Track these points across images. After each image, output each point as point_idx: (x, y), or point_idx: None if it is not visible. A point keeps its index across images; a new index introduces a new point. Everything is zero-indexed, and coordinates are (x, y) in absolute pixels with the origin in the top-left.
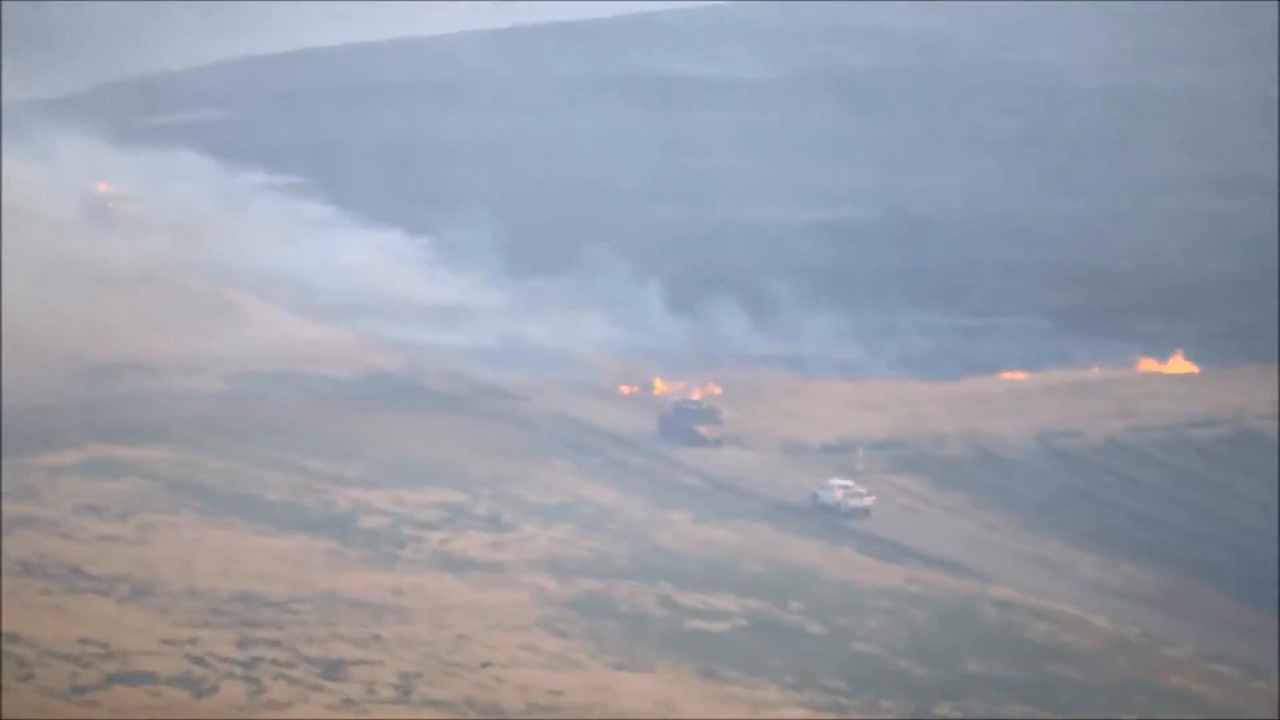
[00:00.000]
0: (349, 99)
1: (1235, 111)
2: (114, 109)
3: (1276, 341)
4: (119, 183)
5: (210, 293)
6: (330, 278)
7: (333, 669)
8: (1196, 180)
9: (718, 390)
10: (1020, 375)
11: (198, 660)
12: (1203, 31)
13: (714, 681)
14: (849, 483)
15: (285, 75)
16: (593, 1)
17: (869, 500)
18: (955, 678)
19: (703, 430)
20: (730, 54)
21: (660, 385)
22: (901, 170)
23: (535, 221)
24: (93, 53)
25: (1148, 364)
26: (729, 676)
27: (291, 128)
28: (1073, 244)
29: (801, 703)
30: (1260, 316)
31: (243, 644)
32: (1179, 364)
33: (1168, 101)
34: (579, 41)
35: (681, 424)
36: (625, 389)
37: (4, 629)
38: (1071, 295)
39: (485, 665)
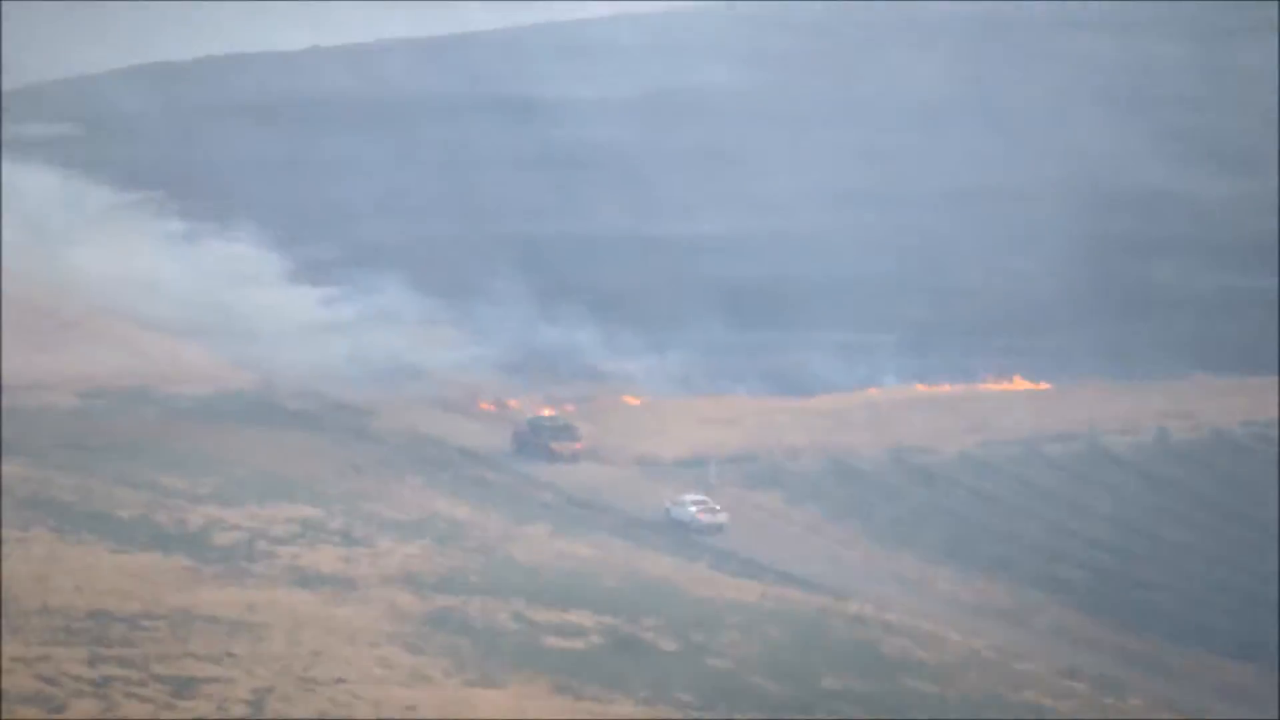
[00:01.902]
0: (206, 114)
1: (1082, 122)
2: None
3: (1124, 358)
4: None
5: (61, 308)
6: (184, 294)
7: (185, 686)
8: (1047, 192)
9: (572, 407)
10: (874, 391)
11: (48, 679)
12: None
13: (568, 697)
14: (703, 498)
15: (140, 89)
16: (484, 12)
17: (722, 516)
18: (809, 693)
19: (557, 446)
20: (594, 71)
21: (514, 402)
22: (755, 185)
23: (390, 238)
24: None
25: (999, 380)
26: (584, 692)
27: (145, 143)
28: (925, 259)
29: (655, 717)
30: (1109, 333)
31: (94, 662)
32: (1029, 380)
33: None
34: (446, 57)
35: (536, 440)
36: (482, 405)
37: None
38: (924, 311)
39: (339, 681)
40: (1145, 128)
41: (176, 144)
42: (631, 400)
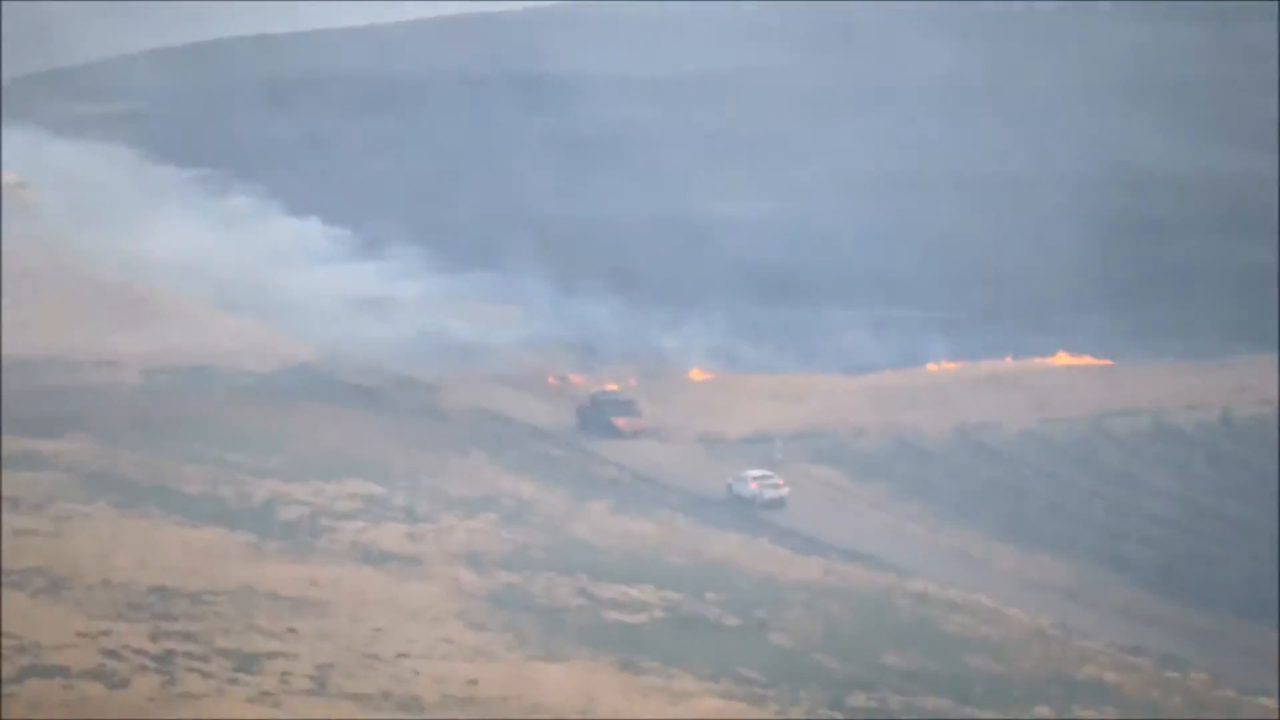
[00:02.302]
0: (267, 92)
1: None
2: (28, 101)
3: (1189, 336)
4: (31, 175)
5: (127, 286)
6: (249, 271)
7: (247, 662)
8: (1105, 178)
9: (635, 383)
10: (939, 367)
11: (111, 653)
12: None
13: (631, 672)
14: (765, 473)
15: (202, 67)
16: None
17: (784, 491)
18: (871, 669)
19: (620, 423)
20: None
21: (578, 378)
22: (817, 165)
23: (454, 216)
24: (6, 46)
25: (1064, 357)
26: (646, 668)
27: (208, 120)
28: (989, 240)
29: (718, 694)
30: (1173, 312)
31: (157, 637)
32: (1095, 357)
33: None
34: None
35: (599, 417)
36: (548, 380)
37: None
38: (990, 289)
39: (401, 657)
40: (1178, 109)
41: (238, 121)
42: (697, 376)
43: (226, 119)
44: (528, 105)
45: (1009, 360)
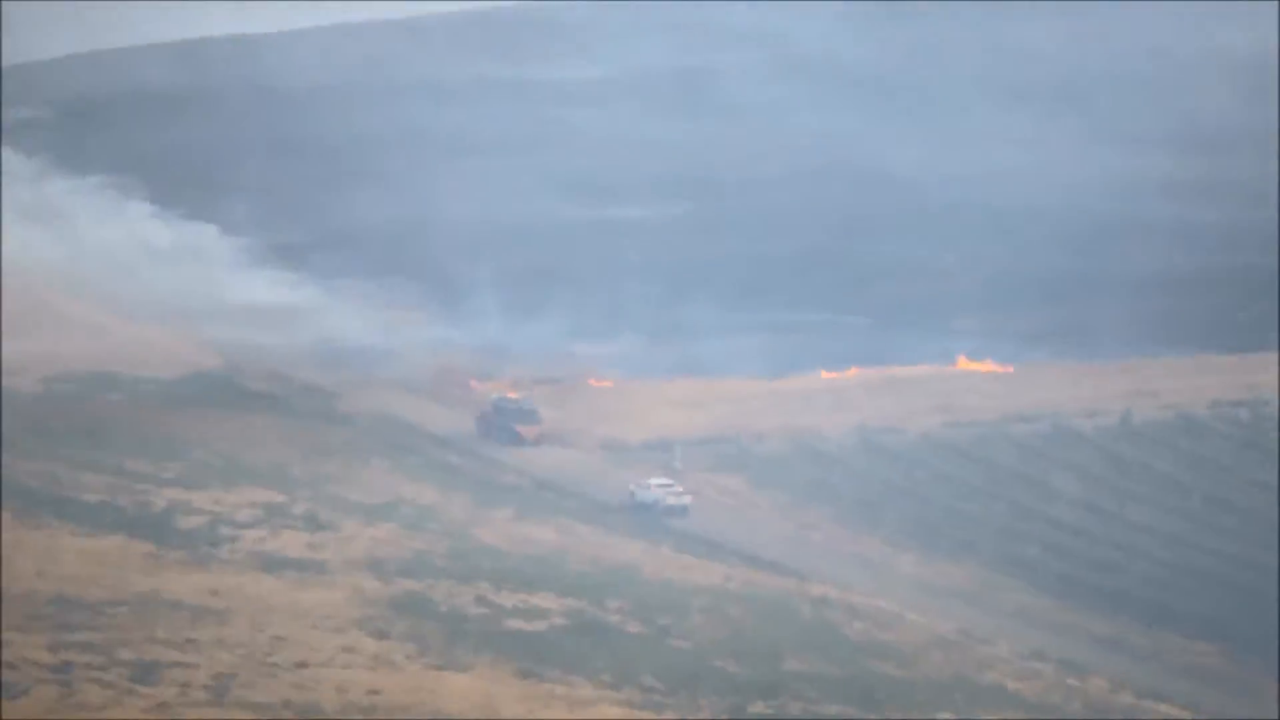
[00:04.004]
0: (171, 99)
1: (1041, 108)
2: None
3: (1089, 340)
4: None
5: (25, 292)
6: (150, 277)
7: (147, 671)
8: (1023, 175)
9: (537, 390)
10: (838, 372)
11: (9, 665)
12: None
13: (532, 680)
14: (667, 481)
15: (104, 74)
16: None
17: (686, 498)
18: (773, 675)
19: (521, 429)
20: (549, 53)
21: (479, 384)
22: (722, 167)
23: (356, 222)
24: None
25: (964, 361)
26: (548, 675)
27: (110, 127)
28: (892, 239)
29: (619, 701)
30: (1076, 315)
31: (55, 648)
32: (994, 362)
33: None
34: (403, 41)
35: (501, 423)
36: (449, 388)
37: None
38: (891, 291)
39: (302, 665)
40: (1102, 115)
41: (140, 128)
42: (598, 383)
43: (127, 127)
44: (427, 109)
45: (909, 365)
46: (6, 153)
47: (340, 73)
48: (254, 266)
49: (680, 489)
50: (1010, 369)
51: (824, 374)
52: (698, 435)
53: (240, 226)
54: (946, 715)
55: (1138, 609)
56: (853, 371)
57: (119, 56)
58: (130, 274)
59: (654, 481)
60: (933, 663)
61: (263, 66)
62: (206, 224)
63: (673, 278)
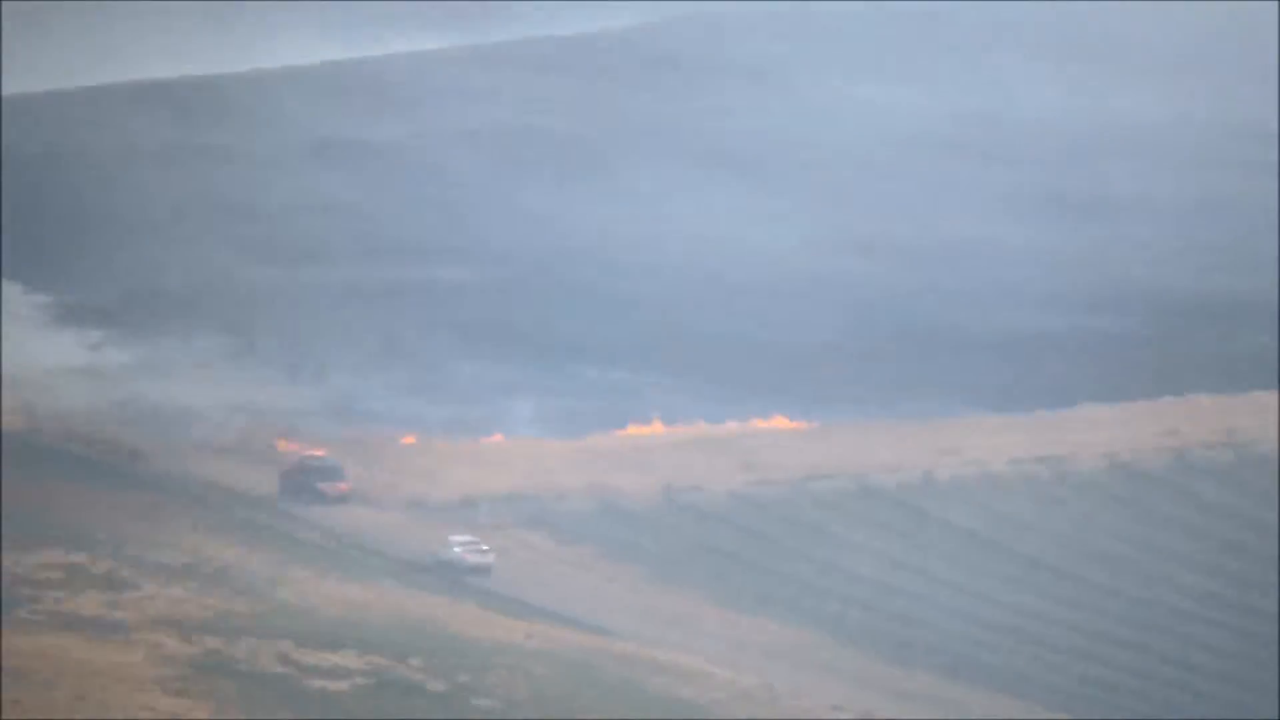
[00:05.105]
0: None
1: (857, 169)
2: None
3: (891, 399)
4: None
5: None
6: None
7: None
8: (820, 241)
9: (342, 448)
10: (644, 430)
11: None
12: None
13: None
14: (470, 539)
15: None
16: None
17: (490, 556)
18: None
19: (324, 487)
20: (355, 111)
21: (284, 443)
22: (536, 227)
23: (157, 283)
24: None
25: (770, 420)
26: None
27: None
28: (696, 303)
29: None
30: (874, 376)
31: None
32: (798, 420)
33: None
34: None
35: (305, 482)
36: (253, 447)
37: None
38: (696, 352)
39: None
40: (917, 175)
41: None
42: (403, 441)
43: None
44: (236, 170)
45: (712, 424)
46: None
47: (146, 133)
48: (54, 326)
49: (484, 547)
50: (812, 426)
51: (628, 431)
52: (502, 493)
53: (41, 286)
54: None
55: (940, 663)
56: (657, 430)
57: None
58: None
59: (457, 539)
60: (735, 717)
61: (58, 125)
62: (10, 282)
63: (478, 339)
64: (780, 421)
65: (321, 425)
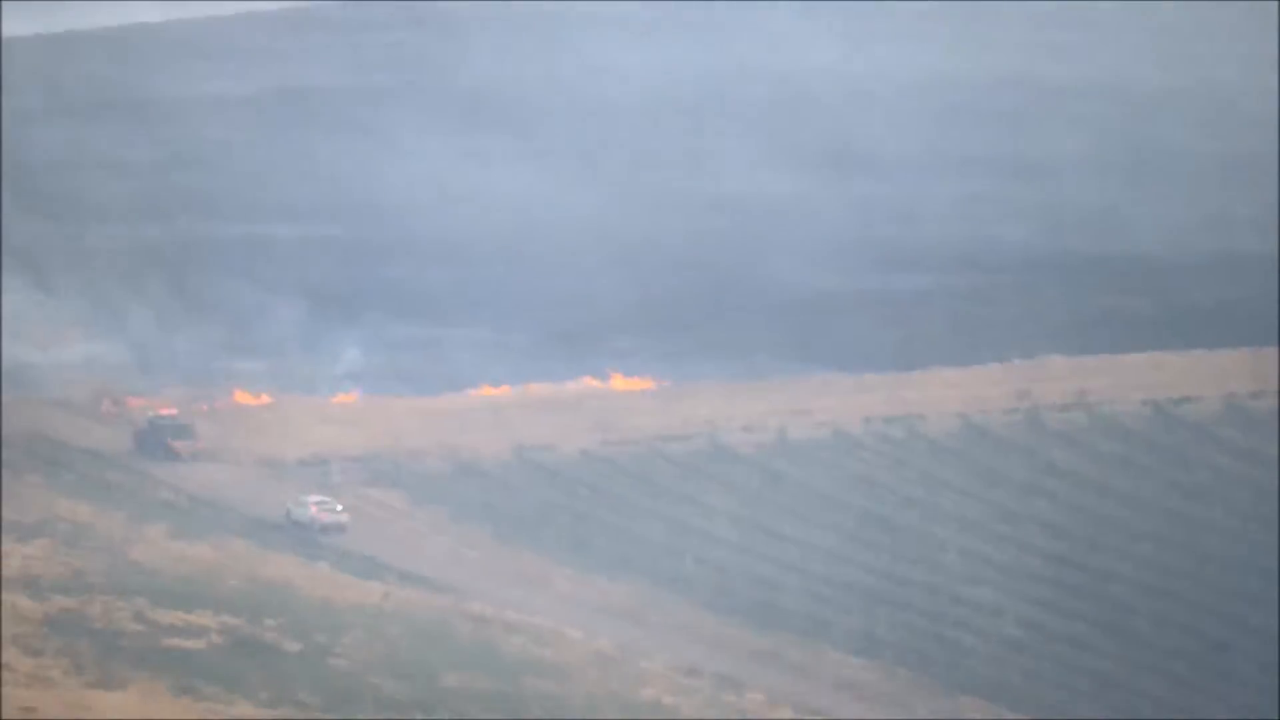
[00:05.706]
0: None
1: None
2: None
3: (742, 358)
4: None
5: None
6: None
7: None
8: (673, 199)
9: (194, 407)
10: (496, 390)
11: None
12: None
13: (189, 698)
14: (323, 498)
15: None
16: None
17: (344, 516)
18: (430, 692)
19: (177, 445)
20: (209, 70)
21: (136, 401)
22: (385, 187)
23: (10, 239)
24: None
25: (622, 380)
26: (204, 693)
27: None
28: (551, 261)
29: (276, 718)
30: (731, 333)
31: None
32: (651, 379)
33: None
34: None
35: (156, 440)
36: (105, 405)
37: None
38: (549, 311)
39: None
40: (757, 135)
41: None
42: (254, 400)
43: None
44: (78, 127)
45: (565, 383)
46: None
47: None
48: None
49: (338, 506)
50: (665, 385)
51: (481, 391)
52: (355, 453)
53: None
54: None
55: (794, 624)
56: (509, 389)
57: None
58: None
59: (310, 499)
60: (590, 678)
61: None
62: None
63: (330, 296)
64: (631, 381)
65: (173, 384)
